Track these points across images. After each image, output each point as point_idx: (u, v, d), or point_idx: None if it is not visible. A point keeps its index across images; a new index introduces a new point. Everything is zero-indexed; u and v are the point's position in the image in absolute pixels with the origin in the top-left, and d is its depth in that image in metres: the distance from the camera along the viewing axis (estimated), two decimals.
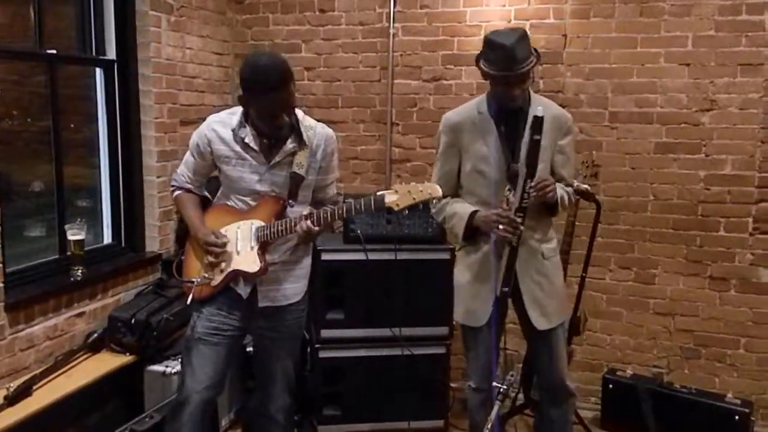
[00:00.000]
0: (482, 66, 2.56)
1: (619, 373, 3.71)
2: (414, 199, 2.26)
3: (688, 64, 3.63)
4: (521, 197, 2.53)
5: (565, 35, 3.77)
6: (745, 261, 3.66)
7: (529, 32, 3.74)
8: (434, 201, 2.55)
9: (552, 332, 2.75)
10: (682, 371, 3.81)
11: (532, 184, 2.50)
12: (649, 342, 3.87)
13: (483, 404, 2.81)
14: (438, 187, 2.31)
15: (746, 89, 3.55)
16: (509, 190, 2.59)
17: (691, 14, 3.59)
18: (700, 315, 3.76)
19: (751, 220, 3.62)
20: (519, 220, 2.52)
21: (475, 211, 2.65)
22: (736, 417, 3.37)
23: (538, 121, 2.49)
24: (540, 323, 2.70)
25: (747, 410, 3.38)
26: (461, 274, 2.81)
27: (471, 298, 2.76)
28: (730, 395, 3.50)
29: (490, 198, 2.64)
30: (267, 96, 2.30)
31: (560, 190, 2.64)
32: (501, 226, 2.52)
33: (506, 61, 2.47)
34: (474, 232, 2.69)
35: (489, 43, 2.52)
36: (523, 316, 2.73)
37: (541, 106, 2.59)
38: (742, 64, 3.54)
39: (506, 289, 2.61)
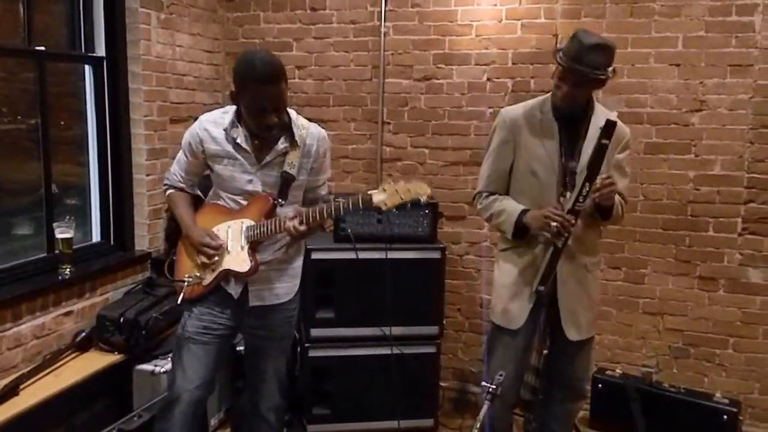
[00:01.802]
0: (558, 58, 2.52)
1: (608, 372, 3.73)
2: (402, 198, 2.24)
3: (678, 65, 3.64)
4: (576, 199, 2.51)
5: (556, 35, 3.77)
6: (734, 261, 3.68)
7: (520, 32, 3.83)
8: (481, 199, 2.64)
9: (583, 342, 2.76)
10: (671, 371, 3.83)
11: (598, 182, 2.46)
12: (638, 341, 3.89)
13: (506, 411, 2.85)
14: (425, 185, 2.28)
15: (735, 90, 3.57)
16: (563, 196, 2.58)
17: (681, 15, 3.60)
18: (689, 315, 3.78)
19: (739, 220, 3.64)
20: (572, 221, 2.50)
21: (525, 210, 2.63)
22: (725, 416, 3.39)
23: (611, 126, 2.47)
24: (572, 334, 2.71)
25: (735, 410, 3.40)
26: (504, 275, 2.78)
27: (510, 298, 2.73)
28: (718, 395, 3.52)
29: (541, 200, 2.62)
30: (257, 89, 2.29)
31: (615, 197, 2.62)
32: (553, 224, 2.50)
33: (577, 56, 2.44)
34: (522, 232, 2.66)
35: (574, 36, 2.49)
36: (556, 323, 2.72)
37: (603, 115, 2.59)
38: (732, 65, 3.56)
39: (542, 288, 2.60)
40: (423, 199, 2.27)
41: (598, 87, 2.57)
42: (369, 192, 2.28)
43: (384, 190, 2.26)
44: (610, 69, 2.49)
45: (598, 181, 2.48)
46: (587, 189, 2.49)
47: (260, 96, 2.31)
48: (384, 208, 2.26)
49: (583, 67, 2.44)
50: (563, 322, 2.70)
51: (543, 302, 2.68)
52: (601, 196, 2.49)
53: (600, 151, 2.48)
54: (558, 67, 2.54)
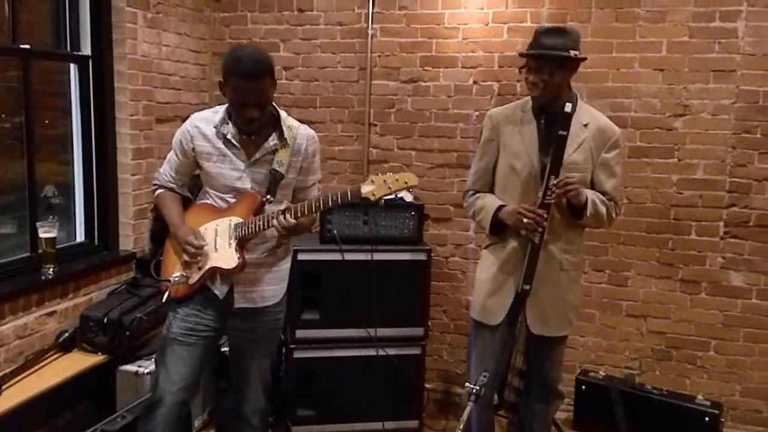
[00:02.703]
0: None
1: (591, 374, 3.75)
2: (390, 188, 2.25)
3: (662, 70, 3.68)
4: (544, 193, 2.53)
5: None
6: (716, 264, 3.72)
7: (506, 35, 3.85)
8: (467, 197, 2.72)
9: (550, 339, 2.77)
10: (654, 373, 3.86)
11: (555, 180, 2.50)
12: (621, 344, 3.92)
13: (485, 410, 2.86)
14: (413, 175, 2.29)
15: (718, 95, 3.61)
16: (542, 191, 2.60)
17: (666, 20, 3.64)
18: (671, 317, 3.82)
19: (721, 224, 3.69)
20: (543, 215, 2.52)
21: (502, 206, 2.67)
22: (706, 418, 3.42)
23: (566, 117, 2.50)
24: (535, 327, 2.72)
25: (717, 411, 3.44)
26: (483, 271, 2.81)
27: (488, 294, 2.75)
28: (700, 397, 3.55)
29: (522, 196, 2.65)
30: (239, 83, 2.30)
31: (592, 196, 2.60)
32: (525, 220, 2.53)
33: (533, 42, 2.56)
34: (502, 227, 2.70)
35: (536, 30, 2.61)
36: (524, 316, 2.74)
37: (588, 114, 2.63)
38: (715, 71, 3.60)
39: (527, 287, 2.61)
40: (408, 194, 2.28)
41: (562, 69, 2.55)
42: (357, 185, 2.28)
43: (372, 182, 2.27)
44: (574, 52, 2.52)
45: (558, 179, 2.50)
46: (553, 182, 2.51)
47: (242, 90, 2.31)
48: (373, 198, 2.26)
49: (538, 49, 2.53)
50: (527, 314, 2.70)
51: (523, 299, 2.69)
52: (560, 194, 2.51)
53: (558, 143, 2.50)
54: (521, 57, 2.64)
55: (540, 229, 2.54)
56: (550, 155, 2.54)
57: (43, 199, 3.42)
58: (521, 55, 2.64)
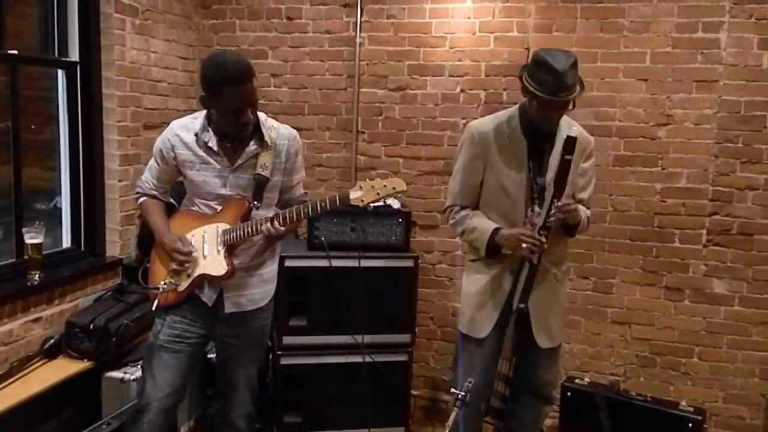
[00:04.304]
0: (527, 83, 2.50)
1: (577, 380, 3.77)
2: (378, 194, 2.26)
3: (645, 80, 3.73)
4: (546, 216, 2.52)
5: (528, 48, 3.83)
6: (699, 272, 3.76)
7: (493, 44, 3.89)
8: (453, 214, 2.67)
9: (552, 349, 2.81)
10: (638, 379, 3.89)
11: (559, 204, 2.49)
12: (606, 350, 3.95)
13: (475, 419, 2.88)
14: (402, 181, 2.29)
15: (701, 105, 3.66)
16: (531, 211, 2.59)
17: (650, 31, 3.69)
18: (655, 324, 3.86)
19: (704, 232, 3.73)
20: (543, 239, 2.52)
21: (497, 229, 2.64)
22: (690, 424, 3.44)
23: (571, 142, 2.48)
24: (543, 342, 2.75)
25: (700, 418, 3.46)
26: (471, 285, 2.80)
27: (476, 307, 2.76)
28: (684, 403, 3.57)
29: (512, 215, 2.65)
30: (232, 90, 2.28)
31: (583, 214, 2.66)
32: (524, 245, 2.52)
33: (556, 85, 2.42)
34: (496, 248, 2.67)
35: (542, 63, 2.45)
36: (526, 332, 2.75)
37: (569, 126, 2.62)
38: (698, 81, 3.66)
39: (522, 306, 2.61)
40: (396, 201, 2.29)
41: (568, 106, 2.57)
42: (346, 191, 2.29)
43: (360, 188, 2.27)
44: (577, 87, 2.51)
45: (561, 202, 2.51)
46: (557, 204, 2.51)
47: (235, 96, 2.30)
48: (361, 204, 2.27)
49: (551, 97, 2.45)
50: (535, 331, 2.73)
51: (513, 313, 2.71)
52: (562, 218, 2.54)
53: (564, 167, 2.50)
54: (531, 95, 2.52)
55: (541, 251, 2.54)
56: (554, 178, 2.52)
57: (53, 210, 3.46)
58: (536, 97, 2.48)
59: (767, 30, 3.53)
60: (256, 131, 2.47)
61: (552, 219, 2.52)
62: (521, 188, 2.64)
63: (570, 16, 3.79)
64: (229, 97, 2.31)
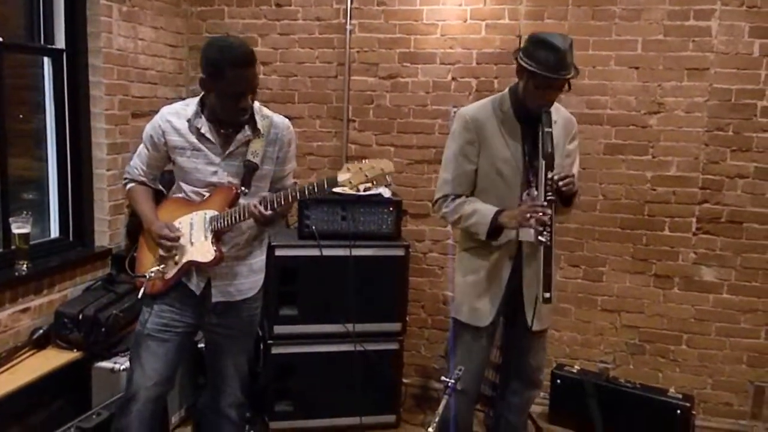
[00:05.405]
0: (525, 63, 2.48)
1: (566, 368, 3.80)
2: (366, 175, 2.23)
3: (637, 68, 3.72)
4: (545, 190, 2.51)
5: (519, 36, 3.81)
6: (689, 260, 3.78)
7: (484, 32, 3.87)
8: (447, 202, 2.66)
9: (541, 333, 2.82)
10: (628, 366, 3.92)
11: (553, 175, 2.48)
12: (596, 338, 3.97)
13: (469, 407, 2.88)
14: (389, 162, 2.26)
15: (692, 93, 3.66)
16: (527, 194, 2.59)
17: (641, 18, 3.68)
18: (645, 312, 3.88)
19: (694, 220, 3.75)
20: (549, 212, 2.49)
21: (500, 211, 2.61)
22: (678, 411, 3.48)
23: (548, 116, 2.49)
24: (534, 324, 2.74)
25: (688, 404, 3.50)
26: (468, 274, 2.78)
27: (476, 296, 2.74)
28: (672, 390, 3.62)
29: (508, 199, 2.64)
30: (237, 72, 2.26)
31: (576, 184, 2.64)
32: (532, 219, 2.48)
33: (557, 63, 2.42)
34: (497, 232, 2.64)
35: (541, 42, 2.46)
36: (513, 316, 2.77)
37: (556, 110, 2.61)
38: (689, 69, 3.65)
39: (548, 295, 2.56)
40: (388, 178, 2.27)
41: (563, 86, 2.55)
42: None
43: (348, 170, 2.24)
44: (573, 68, 2.52)
45: (557, 176, 2.50)
46: (550, 176, 2.50)
47: (239, 79, 2.28)
48: (349, 186, 2.24)
49: (551, 74, 2.44)
50: (527, 312, 2.72)
51: (508, 298, 2.72)
52: (562, 186, 2.51)
53: (547, 140, 2.48)
54: (529, 75, 2.50)
55: (549, 225, 2.51)
56: (542, 152, 2.51)
57: (41, 199, 3.43)
58: (534, 75, 2.46)
59: (758, 18, 3.53)
60: (250, 118, 2.46)
61: (551, 192, 2.50)
62: (517, 172, 2.63)
63: (561, 3, 3.77)
64: (233, 79, 2.28)
